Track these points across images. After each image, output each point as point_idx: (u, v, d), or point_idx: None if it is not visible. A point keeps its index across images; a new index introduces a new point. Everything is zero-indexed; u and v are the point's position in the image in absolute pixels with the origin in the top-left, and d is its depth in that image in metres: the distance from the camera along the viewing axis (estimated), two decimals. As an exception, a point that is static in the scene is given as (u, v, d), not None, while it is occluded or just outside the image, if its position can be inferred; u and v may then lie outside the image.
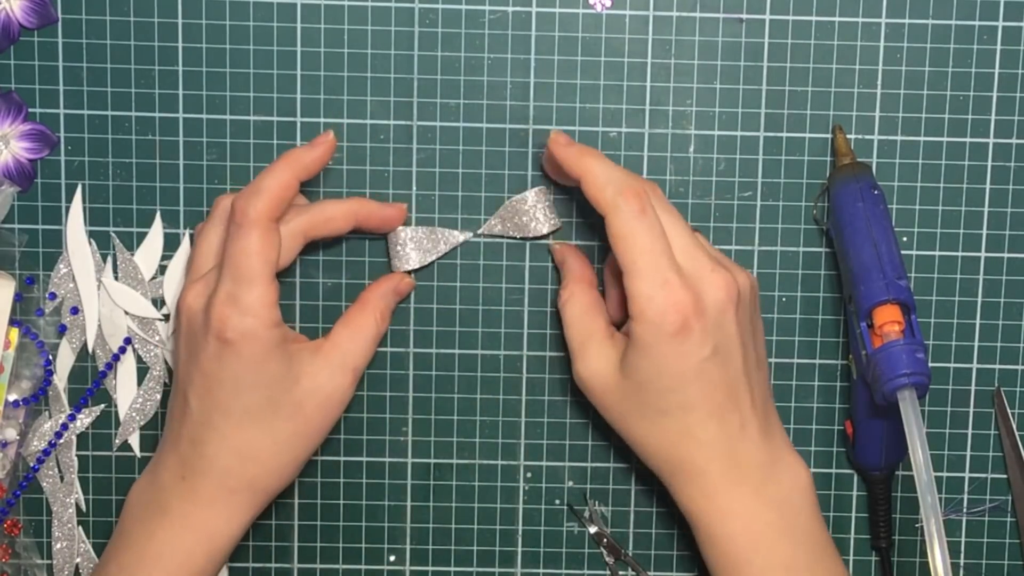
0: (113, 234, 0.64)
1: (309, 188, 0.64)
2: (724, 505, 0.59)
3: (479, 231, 0.64)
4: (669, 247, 0.57)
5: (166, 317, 0.65)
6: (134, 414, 0.65)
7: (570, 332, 0.61)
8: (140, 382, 0.65)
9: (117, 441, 0.66)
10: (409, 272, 0.64)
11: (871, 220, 0.60)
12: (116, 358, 0.65)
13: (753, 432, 0.59)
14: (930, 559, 0.55)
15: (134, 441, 0.66)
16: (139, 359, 0.65)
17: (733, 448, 0.58)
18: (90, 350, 0.65)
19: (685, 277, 0.57)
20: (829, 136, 0.64)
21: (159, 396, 0.65)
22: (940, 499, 0.62)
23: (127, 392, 0.65)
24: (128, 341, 0.65)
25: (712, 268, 0.58)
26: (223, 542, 0.59)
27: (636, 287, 0.57)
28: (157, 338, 0.65)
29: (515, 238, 0.64)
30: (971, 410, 0.66)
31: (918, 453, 0.56)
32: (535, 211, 0.64)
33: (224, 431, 0.58)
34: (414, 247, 0.64)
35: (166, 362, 0.65)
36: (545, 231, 0.64)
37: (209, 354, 0.57)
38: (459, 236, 0.64)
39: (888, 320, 0.58)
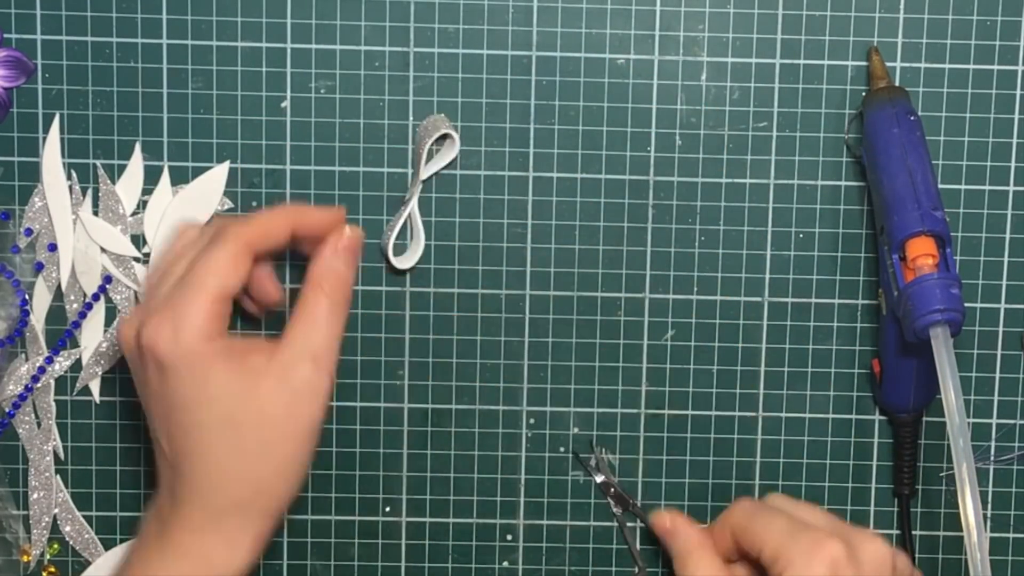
0: (99, 164, 0.61)
1: (297, 122, 0.61)
2: None
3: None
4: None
5: (146, 256, 0.62)
6: (99, 358, 0.62)
7: None
8: (109, 324, 0.62)
9: (78, 385, 0.63)
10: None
11: (906, 147, 0.57)
12: (96, 297, 0.62)
13: None
14: (960, 505, 0.53)
15: (95, 387, 0.63)
16: (108, 299, 0.62)
17: None
18: (63, 288, 0.62)
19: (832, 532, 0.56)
20: (849, 63, 0.61)
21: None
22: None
23: (93, 335, 0.62)
24: (108, 280, 0.62)
25: (863, 530, 0.57)
26: (227, 570, 0.55)
27: (776, 545, 0.56)
28: (132, 278, 0.62)
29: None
30: (999, 353, 0.63)
31: (950, 393, 0.54)
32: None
33: (193, 453, 0.54)
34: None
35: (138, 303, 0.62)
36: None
37: (153, 381, 0.54)
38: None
39: (922, 253, 0.56)
